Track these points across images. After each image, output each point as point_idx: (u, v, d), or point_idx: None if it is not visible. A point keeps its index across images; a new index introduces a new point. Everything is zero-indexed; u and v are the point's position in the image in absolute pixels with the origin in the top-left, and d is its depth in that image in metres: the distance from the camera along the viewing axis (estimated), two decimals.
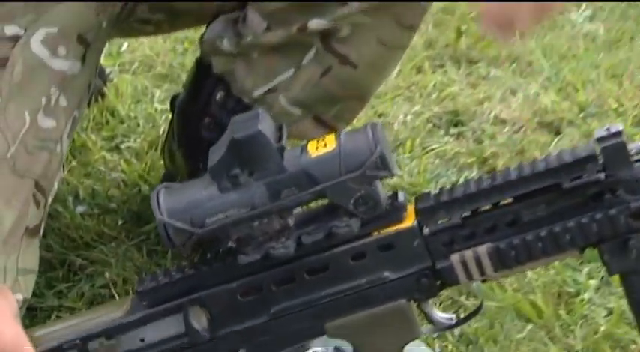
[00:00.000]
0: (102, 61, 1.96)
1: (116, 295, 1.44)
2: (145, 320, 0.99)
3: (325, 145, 0.94)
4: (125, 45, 2.05)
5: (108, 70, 1.95)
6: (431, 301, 1.00)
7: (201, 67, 1.47)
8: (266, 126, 0.94)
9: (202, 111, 1.45)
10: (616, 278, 1.39)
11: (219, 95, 1.43)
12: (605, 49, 2.02)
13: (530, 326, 1.36)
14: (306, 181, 0.93)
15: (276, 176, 0.93)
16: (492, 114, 1.81)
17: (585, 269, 1.44)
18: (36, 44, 1.16)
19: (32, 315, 1.43)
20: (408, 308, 0.98)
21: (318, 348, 1.22)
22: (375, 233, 0.97)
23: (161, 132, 1.75)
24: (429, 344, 1.33)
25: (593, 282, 1.42)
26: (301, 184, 0.93)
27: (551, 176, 0.93)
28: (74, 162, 1.72)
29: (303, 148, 0.95)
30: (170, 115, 1.54)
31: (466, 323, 1.34)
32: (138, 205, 1.62)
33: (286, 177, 0.93)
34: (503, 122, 1.80)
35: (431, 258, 0.97)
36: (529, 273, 1.43)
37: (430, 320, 1.01)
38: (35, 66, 1.17)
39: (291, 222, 0.96)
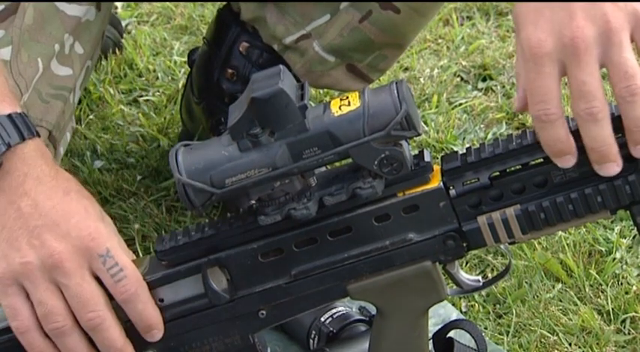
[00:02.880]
0: (119, 12, 1.93)
1: (138, 251, 1.41)
2: (163, 280, 0.98)
3: (349, 104, 0.92)
4: None
5: (126, 22, 1.91)
6: (457, 263, 0.99)
7: (225, 17, 1.44)
8: (288, 83, 0.91)
9: (224, 62, 1.43)
10: None
11: (242, 45, 1.41)
12: None
13: (559, 286, 1.34)
14: (329, 141, 0.91)
15: (298, 136, 0.91)
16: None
17: (617, 228, 1.42)
18: None
19: None
20: (434, 270, 0.97)
21: (342, 307, 1.20)
22: (400, 194, 0.96)
23: (180, 86, 1.73)
24: (454, 304, 1.31)
25: (625, 241, 1.39)
26: (324, 144, 0.91)
27: None
28: (92, 116, 1.70)
29: (326, 107, 0.92)
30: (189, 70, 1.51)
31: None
32: (157, 160, 1.60)
33: (308, 137, 0.91)
34: None
35: (457, 220, 0.96)
36: (559, 232, 1.40)
37: (456, 282, 1.00)
38: (47, 11, 1.14)
39: (313, 182, 0.94)
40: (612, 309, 1.30)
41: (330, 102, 0.93)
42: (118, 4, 1.98)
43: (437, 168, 0.96)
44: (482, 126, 1.67)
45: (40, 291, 0.94)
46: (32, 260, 0.94)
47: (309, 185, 0.94)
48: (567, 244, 1.38)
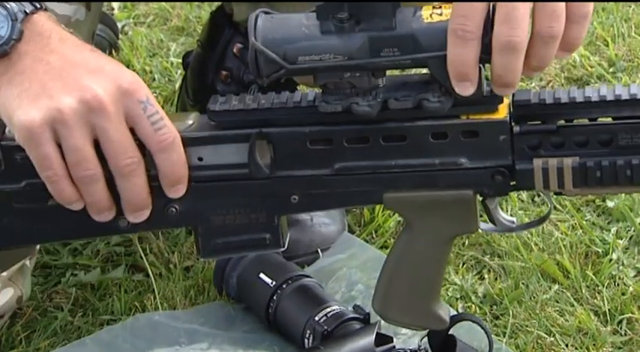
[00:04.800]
0: (116, 13, 1.93)
1: (139, 250, 1.41)
2: (209, 140, 0.97)
3: (441, 14, 0.91)
4: None
5: (122, 23, 1.91)
6: (497, 200, 0.98)
7: (218, 19, 1.44)
8: None
9: (218, 64, 1.43)
10: None
11: (236, 47, 1.41)
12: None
13: (556, 287, 1.33)
14: (411, 46, 0.90)
15: (382, 32, 0.90)
16: None
17: (613, 229, 1.41)
18: None
19: (46, 273, 1.42)
20: (473, 201, 0.97)
21: (336, 305, 1.20)
22: (464, 117, 0.94)
23: (177, 87, 1.72)
24: (451, 305, 1.31)
25: (621, 242, 1.39)
26: (405, 47, 0.90)
27: None
28: None
29: (417, 11, 0.91)
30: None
31: (490, 285, 1.32)
32: None
33: (392, 36, 0.90)
34: (530, 77, 1.76)
35: (512, 157, 0.95)
36: (556, 233, 1.40)
37: (491, 218, 1.00)
38: None
39: (381, 83, 0.93)
40: (609, 310, 1.29)
41: (422, 7, 0.92)
42: (115, 5, 1.98)
43: (507, 100, 0.95)
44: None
45: (76, 137, 0.92)
46: (70, 104, 0.92)
47: (377, 85, 0.93)
48: (564, 245, 1.38)
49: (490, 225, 1.00)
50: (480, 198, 0.98)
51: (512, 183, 0.96)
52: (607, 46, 1.81)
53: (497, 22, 0.88)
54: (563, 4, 0.89)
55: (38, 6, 0.96)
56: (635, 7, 1.94)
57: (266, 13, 0.93)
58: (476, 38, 0.89)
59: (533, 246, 1.39)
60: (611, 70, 1.76)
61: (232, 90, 1.39)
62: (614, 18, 1.89)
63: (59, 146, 0.93)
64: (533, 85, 1.75)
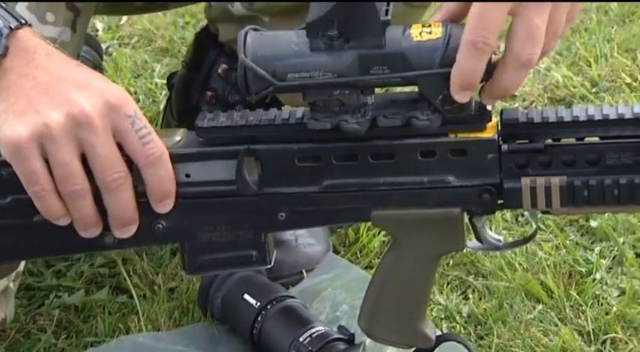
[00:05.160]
0: (100, 34, 1.93)
1: (123, 271, 1.41)
2: (197, 156, 0.97)
3: (430, 32, 0.91)
4: (124, 18, 2.02)
5: (106, 44, 1.91)
6: (483, 218, 0.98)
7: (203, 40, 1.44)
8: None
9: (203, 85, 1.43)
10: (629, 257, 1.38)
11: (221, 68, 1.41)
12: (619, 22, 1.98)
13: (540, 307, 1.33)
14: (401, 64, 0.91)
15: (372, 50, 0.91)
16: None
17: (597, 249, 1.41)
18: (21, 9, 1.12)
19: (30, 295, 1.41)
20: (460, 219, 0.97)
21: (321, 326, 1.20)
22: (452, 135, 0.95)
23: (161, 108, 1.72)
24: (436, 325, 1.30)
25: (604, 262, 1.39)
26: (395, 65, 0.91)
27: None
28: None
29: (406, 29, 0.92)
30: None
31: (474, 305, 1.32)
32: None
33: (382, 54, 0.91)
34: (514, 97, 1.76)
35: (500, 176, 0.95)
36: (539, 252, 1.40)
37: (478, 236, 1.00)
38: None
39: (370, 100, 0.93)
40: (593, 330, 1.29)
41: (411, 26, 0.92)
42: (99, 27, 1.98)
43: (495, 119, 0.95)
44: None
45: (63, 152, 0.92)
46: (57, 119, 0.91)
47: (366, 102, 0.93)
48: (548, 265, 1.38)
49: (477, 244, 1.01)
50: (468, 217, 0.98)
51: (499, 202, 0.96)
52: (590, 66, 1.82)
53: (516, 38, 0.90)
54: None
55: (23, 21, 0.96)
56: (618, 28, 1.96)
57: (255, 30, 0.93)
58: (491, 51, 0.90)
59: (517, 266, 1.39)
60: (593, 90, 1.77)
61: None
62: (597, 38, 1.90)
63: (46, 161, 0.93)
64: (516, 105, 1.76)
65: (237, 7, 1.34)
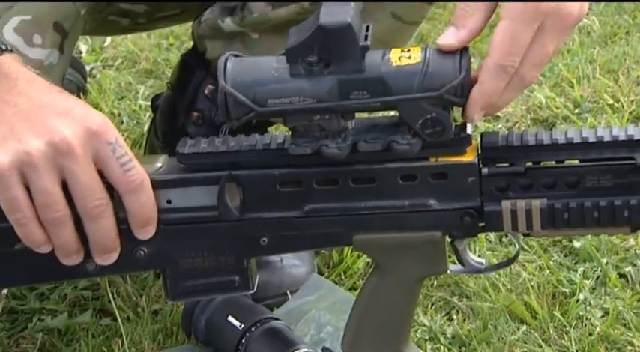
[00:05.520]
0: (84, 56, 1.93)
1: (107, 294, 1.40)
2: (178, 182, 0.97)
3: (409, 57, 0.92)
4: (108, 40, 2.02)
5: (90, 66, 1.91)
6: (465, 241, 0.99)
7: (189, 61, 1.44)
8: (356, 21, 0.91)
9: (189, 106, 1.43)
10: (613, 278, 1.38)
11: (207, 88, 1.41)
12: (601, 43, 2.00)
13: (524, 328, 1.33)
14: (381, 89, 0.91)
15: (351, 75, 0.91)
16: None
17: (580, 269, 1.42)
18: (9, 32, 1.13)
19: (13, 318, 1.40)
20: (442, 242, 0.97)
21: (305, 348, 1.20)
22: (433, 159, 0.95)
23: (145, 130, 1.72)
24: (420, 346, 1.30)
25: (588, 282, 1.40)
26: (374, 90, 0.91)
27: (627, 148, 0.92)
28: None
29: (386, 54, 0.92)
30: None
31: (458, 326, 1.32)
32: None
33: (361, 79, 0.91)
34: (497, 118, 1.77)
35: (481, 199, 0.95)
36: (523, 273, 1.40)
37: (460, 260, 1.00)
38: None
39: (350, 125, 0.94)
40: (576, 351, 1.29)
41: (390, 50, 0.93)
42: (83, 49, 1.98)
43: (475, 143, 0.96)
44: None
45: (45, 180, 0.92)
46: (38, 147, 0.91)
47: (347, 127, 0.93)
48: (531, 286, 1.39)
49: (459, 267, 1.01)
50: (449, 240, 0.99)
51: (480, 225, 0.97)
52: (572, 87, 1.83)
53: (526, 60, 0.93)
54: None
55: (4, 48, 0.96)
56: (600, 49, 1.97)
57: (235, 56, 0.94)
58: (513, 74, 0.92)
59: (501, 287, 1.39)
60: (576, 111, 1.78)
61: (203, 132, 1.40)
62: (579, 60, 1.91)
63: (27, 188, 0.93)
64: (500, 125, 1.76)
65: (228, 23, 1.35)
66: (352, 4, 0.92)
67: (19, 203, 0.93)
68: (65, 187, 0.94)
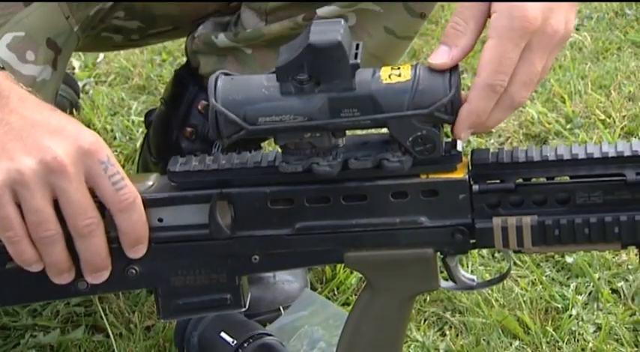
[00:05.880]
0: (77, 72, 1.93)
1: (100, 310, 1.40)
2: (169, 201, 0.97)
3: (399, 75, 0.92)
4: (101, 56, 2.02)
5: (83, 82, 1.91)
6: (456, 258, 0.99)
7: (182, 77, 1.44)
8: (346, 39, 0.91)
9: (183, 121, 1.43)
10: (605, 293, 1.38)
11: (201, 104, 1.41)
12: (593, 59, 2.00)
13: (517, 343, 1.33)
14: (371, 106, 0.91)
15: (342, 93, 0.91)
16: None
17: (573, 285, 1.42)
18: (2, 49, 1.13)
19: (5, 335, 1.40)
20: (433, 259, 0.97)
21: None
22: (424, 176, 0.95)
23: (138, 146, 1.72)
24: None
25: (580, 298, 1.40)
26: (365, 108, 0.91)
27: (617, 165, 0.93)
28: None
29: (376, 72, 0.92)
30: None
31: (451, 341, 1.32)
32: None
33: (352, 97, 0.91)
34: (489, 134, 1.77)
35: (472, 216, 0.95)
36: (516, 289, 1.40)
37: (451, 276, 1.00)
38: None
39: (341, 142, 0.94)
40: None
41: (380, 68, 0.93)
42: (76, 65, 1.99)
43: (465, 160, 0.96)
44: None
45: (37, 199, 0.92)
46: (30, 165, 0.92)
47: (337, 144, 0.94)
48: (524, 301, 1.38)
49: (451, 283, 1.01)
50: (440, 256, 0.99)
51: (472, 241, 0.97)
52: (564, 103, 1.84)
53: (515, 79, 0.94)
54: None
55: None
56: (592, 65, 1.97)
57: (226, 74, 0.94)
58: (503, 90, 0.93)
59: (493, 302, 1.39)
60: (568, 126, 1.78)
61: (197, 147, 1.40)
62: (571, 75, 1.92)
63: (18, 206, 0.93)
64: (492, 141, 1.77)
65: (221, 39, 1.35)
66: (342, 21, 0.92)
67: (11, 221, 0.93)
68: (56, 205, 0.94)
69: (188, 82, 1.42)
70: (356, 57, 0.91)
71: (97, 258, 0.96)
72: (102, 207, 0.95)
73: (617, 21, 2.13)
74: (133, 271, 0.99)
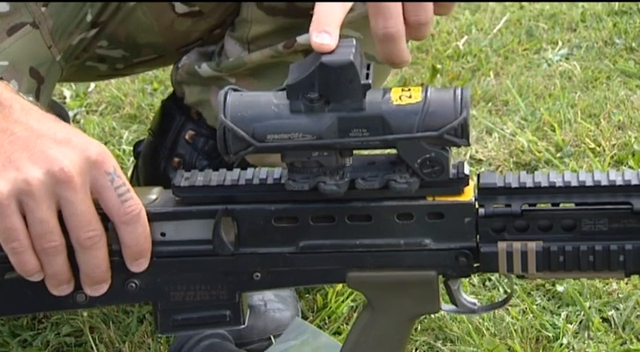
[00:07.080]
0: (68, 102, 1.94)
1: (90, 340, 1.39)
2: (173, 215, 0.97)
3: (410, 97, 0.92)
4: (92, 85, 2.02)
5: (74, 111, 1.92)
6: (459, 281, 0.99)
7: (169, 106, 1.44)
8: (358, 59, 0.92)
9: (170, 151, 1.43)
10: (596, 322, 1.38)
11: (188, 134, 1.41)
12: (582, 88, 2.01)
13: None
14: (380, 127, 0.91)
15: (352, 112, 0.91)
16: (468, 154, 1.79)
17: (563, 313, 1.41)
18: None
19: None
20: (436, 282, 0.97)
21: None
22: (430, 198, 0.95)
23: (129, 175, 1.72)
24: None
25: (571, 326, 1.39)
26: (374, 128, 0.91)
27: (624, 193, 0.93)
28: None
29: (386, 92, 0.92)
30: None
31: None
32: None
33: (362, 117, 0.91)
34: (480, 162, 1.78)
35: (477, 240, 0.95)
36: (507, 317, 1.40)
37: (453, 300, 1.00)
38: None
39: (348, 162, 0.94)
40: None
41: (390, 89, 0.93)
42: (67, 94, 1.99)
43: (472, 183, 0.96)
44: None
45: (43, 209, 0.92)
46: (37, 176, 0.91)
47: (345, 164, 0.94)
48: (515, 330, 1.38)
49: (452, 306, 1.01)
50: (443, 279, 0.99)
51: (475, 265, 0.97)
52: (554, 131, 1.84)
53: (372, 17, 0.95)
54: None
55: None
56: (581, 94, 1.98)
57: (235, 90, 0.94)
58: (402, 36, 0.96)
59: (484, 331, 1.39)
60: (558, 155, 1.79)
61: None
62: (561, 104, 1.93)
63: (23, 216, 0.93)
64: (482, 169, 1.77)
65: (204, 69, 1.36)
66: (354, 41, 0.93)
67: (16, 232, 0.93)
68: (59, 215, 0.94)
69: (175, 112, 1.43)
70: (367, 77, 0.92)
71: (97, 270, 0.95)
72: (104, 220, 0.95)
73: (606, 50, 2.14)
74: (133, 285, 0.99)
